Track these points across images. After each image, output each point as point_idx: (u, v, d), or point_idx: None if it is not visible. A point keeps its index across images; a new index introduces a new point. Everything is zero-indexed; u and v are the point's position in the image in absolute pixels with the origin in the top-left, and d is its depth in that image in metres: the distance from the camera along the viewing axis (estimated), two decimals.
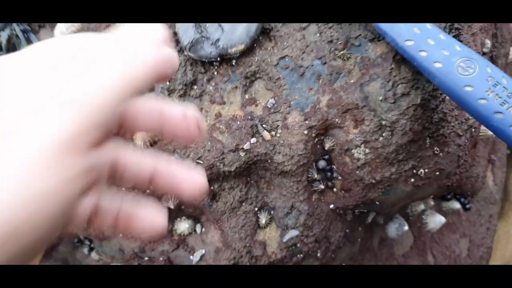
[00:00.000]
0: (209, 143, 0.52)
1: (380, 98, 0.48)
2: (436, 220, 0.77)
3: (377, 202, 0.55)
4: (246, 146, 0.51)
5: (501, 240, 1.08)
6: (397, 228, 0.72)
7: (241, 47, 0.49)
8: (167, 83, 0.52)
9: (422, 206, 0.75)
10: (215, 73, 0.52)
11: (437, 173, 0.54)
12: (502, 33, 0.85)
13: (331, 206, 0.55)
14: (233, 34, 0.49)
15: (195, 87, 0.53)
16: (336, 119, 0.50)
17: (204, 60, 0.50)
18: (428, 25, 0.45)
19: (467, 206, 0.84)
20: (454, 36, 0.52)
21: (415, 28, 0.45)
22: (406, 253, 0.77)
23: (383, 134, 0.49)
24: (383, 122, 0.48)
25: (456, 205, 0.82)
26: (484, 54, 0.66)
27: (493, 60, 0.79)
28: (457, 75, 0.43)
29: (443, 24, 0.50)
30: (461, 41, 0.54)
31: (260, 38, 0.51)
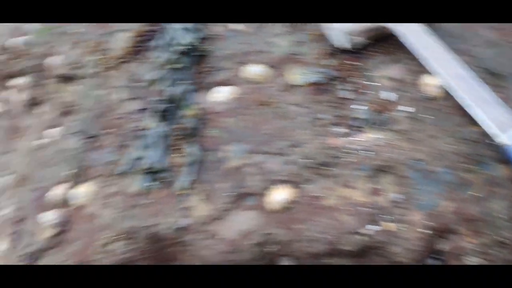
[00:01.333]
0: (330, 221, 0.56)
1: (503, 216, 0.53)
2: None
3: None
4: (365, 231, 0.55)
5: None
6: None
7: None
8: None
9: None
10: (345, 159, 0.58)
11: None
12: None
13: None
14: None
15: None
16: (455, 226, 0.54)
17: None
18: None
19: None
20: None
21: None
22: None
23: (499, 250, 0.53)
24: (500, 239, 0.53)
25: None
26: None
27: None
28: None
29: None
30: None
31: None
